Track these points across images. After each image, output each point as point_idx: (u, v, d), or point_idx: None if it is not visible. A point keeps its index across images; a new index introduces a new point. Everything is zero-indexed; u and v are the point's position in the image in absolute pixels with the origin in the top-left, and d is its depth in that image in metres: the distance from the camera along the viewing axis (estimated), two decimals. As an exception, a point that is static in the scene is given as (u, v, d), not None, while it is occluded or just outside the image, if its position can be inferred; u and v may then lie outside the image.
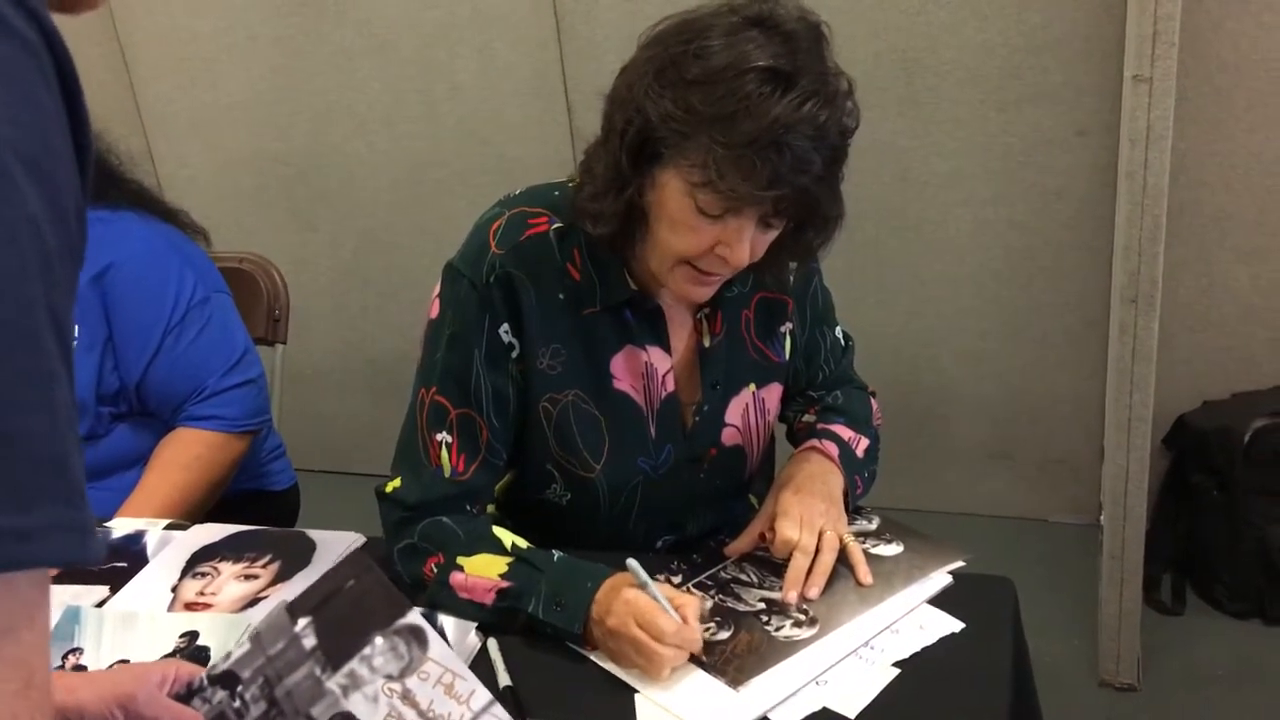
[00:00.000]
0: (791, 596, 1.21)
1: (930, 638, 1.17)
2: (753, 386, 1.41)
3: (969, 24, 2.23)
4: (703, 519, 1.45)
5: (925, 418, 2.61)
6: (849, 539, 1.28)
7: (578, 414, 1.32)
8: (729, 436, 1.40)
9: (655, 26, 1.19)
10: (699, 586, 1.26)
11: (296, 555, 1.38)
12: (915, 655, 1.14)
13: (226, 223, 2.79)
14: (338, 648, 0.95)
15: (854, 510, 1.38)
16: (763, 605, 1.22)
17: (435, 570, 1.25)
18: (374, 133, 2.69)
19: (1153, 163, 1.78)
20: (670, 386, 1.35)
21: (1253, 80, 2.14)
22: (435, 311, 1.31)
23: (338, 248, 2.81)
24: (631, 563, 1.16)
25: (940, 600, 1.22)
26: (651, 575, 1.15)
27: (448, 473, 1.29)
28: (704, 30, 1.14)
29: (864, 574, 1.24)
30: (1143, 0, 1.70)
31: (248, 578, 1.35)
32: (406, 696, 0.94)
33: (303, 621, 0.97)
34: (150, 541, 1.44)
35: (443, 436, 1.30)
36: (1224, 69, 2.14)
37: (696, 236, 1.17)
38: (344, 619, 0.96)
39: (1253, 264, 2.28)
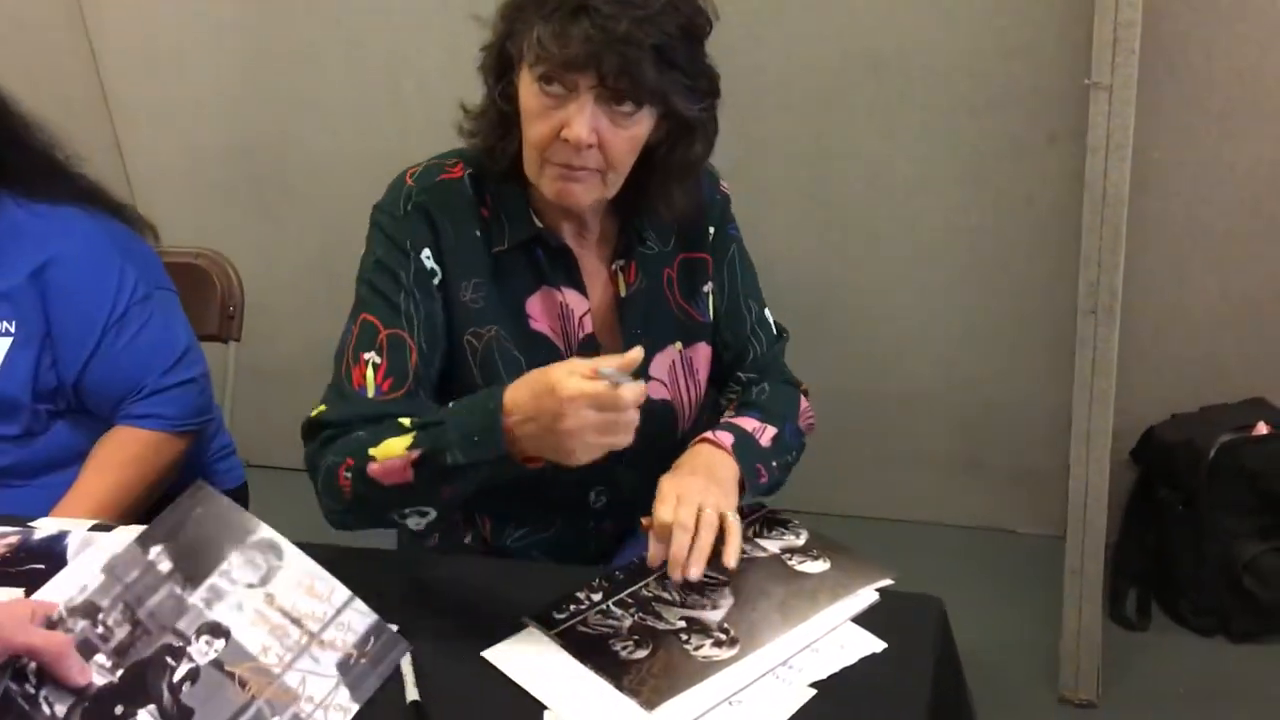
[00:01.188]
0: (676, 575, 1.19)
1: (850, 657, 1.13)
2: (679, 345, 1.45)
3: (938, 27, 2.20)
4: (634, 474, 1.42)
5: (894, 425, 2.58)
6: (731, 517, 1.24)
7: (500, 352, 1.36)
8: (655, 390, 1.42)
9: None
10: (619, 605, 1.23)
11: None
12: (833, 675, 1.11)
13: (192, 216, 2.77)
14: (194, 567, 1.00)
15: (781, 523, 1.35)
16: (683, 624, 1.19)
17: (349, 476, 1.21)
18: (341, 127, 2.67)
19: (1113, 171, 1.75)
20: (588, 328, 1.39)
21: (1225, 89, 2.11)
22: (367, 252, 1.37)
23: (303, 243, 2.79)
24: (608, 370, 1.10)
25: (865, 618, 1.19)
26: (566, 599, 1.16)
27: (371, 392, 1.29)
28: None
29: (730, 555, 1.21)
30: (1104, 7, 1.67)
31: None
32: (270, 600, 0.98)
33: (155, 549, 1.01)
34: (72, 543, 1.41)
35: (370, 356, 1.31)
36: (1195, 78, 2.11)
37: (544, 122, 1.24)
38: (195, 541, 1.01)
39: (1224, 275, 2.26)
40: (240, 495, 1.99)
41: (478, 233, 1.35)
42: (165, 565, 0.99)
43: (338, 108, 2.65)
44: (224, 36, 2.68)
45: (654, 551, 1.24)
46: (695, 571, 1.19)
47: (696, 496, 1.24)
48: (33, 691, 0.92)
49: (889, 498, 2.60)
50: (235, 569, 0.99)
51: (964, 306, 2.42)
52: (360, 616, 0.98)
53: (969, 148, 2.27)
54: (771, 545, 1.31)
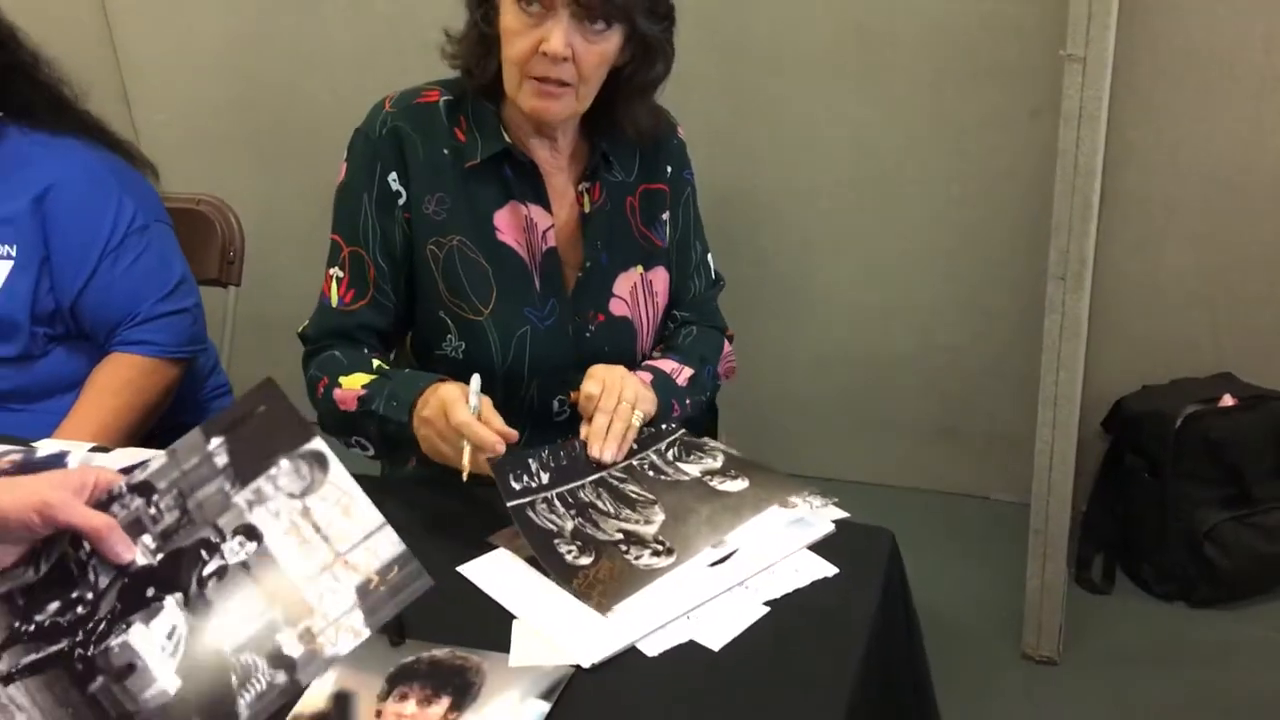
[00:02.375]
0: (594, 451, 1.33)
1: (804, 580, 1.20)
2: (640, 268, 1.56)
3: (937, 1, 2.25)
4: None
5: (872, 390, 2.64)
6: (638, 420, 1.37)
7: (464, 260, 1.47)
8: (617, 307, 1.54)
9: None
10: (561, 502, 1.30)
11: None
12: (786, 595, 1.18)
13: (196, 167, 2.82)
14: (246, 466, 1.02)
15: (698, 447, 1.43)
16: (620, 536, 1.25)
17: (322, 392, 1.44)
18: (343, 80, 2.72)
19: (1084, 142, 1.81)
20: (550, 242, 1.50)
21: (1202, 69, 2.16)
22: (342, 172, 1.50)
23: (305, 197, 2.83)
24: (475, 377, 1.30)
25: (820, 547, 1.26)
26: (521, 464, 1.29)
27: (334, 303, 1.49)
28: None
29: (606, 449, 1.34)
30: (1081, -20, 1.73)
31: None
32: (306, 513, 1.00)
33: (215, 441, 1.03)
34: (72, 463, 1.48)
35: (334, 271, 1.50)
36: (1174, 56, 2.16)
37: (523, 38, 1.35)
38: (253, 441, 1.02)
39: (1197, 251, 2.31)
40: (236, 432, 2.07)
41: (445, 151, 1.46)
42: (221, 459, 1.02)
43: (340, 60, 2.71)
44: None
45: (584, 429, 1.37)
46: (609, 454, 1.34)
47: (618, 385, 1.38)
48: (84, 559, 0.98)
49: (864, 462, 2.67)
50: (282, 476, 1.01)
51: (943, 275, 2.48)
52: (388, 545, 0.99)
53: (952, 119, 2.33)
54: (691, 469, 1.38)
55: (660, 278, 1.58)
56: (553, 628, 1.14)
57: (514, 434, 1.28)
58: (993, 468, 2.63)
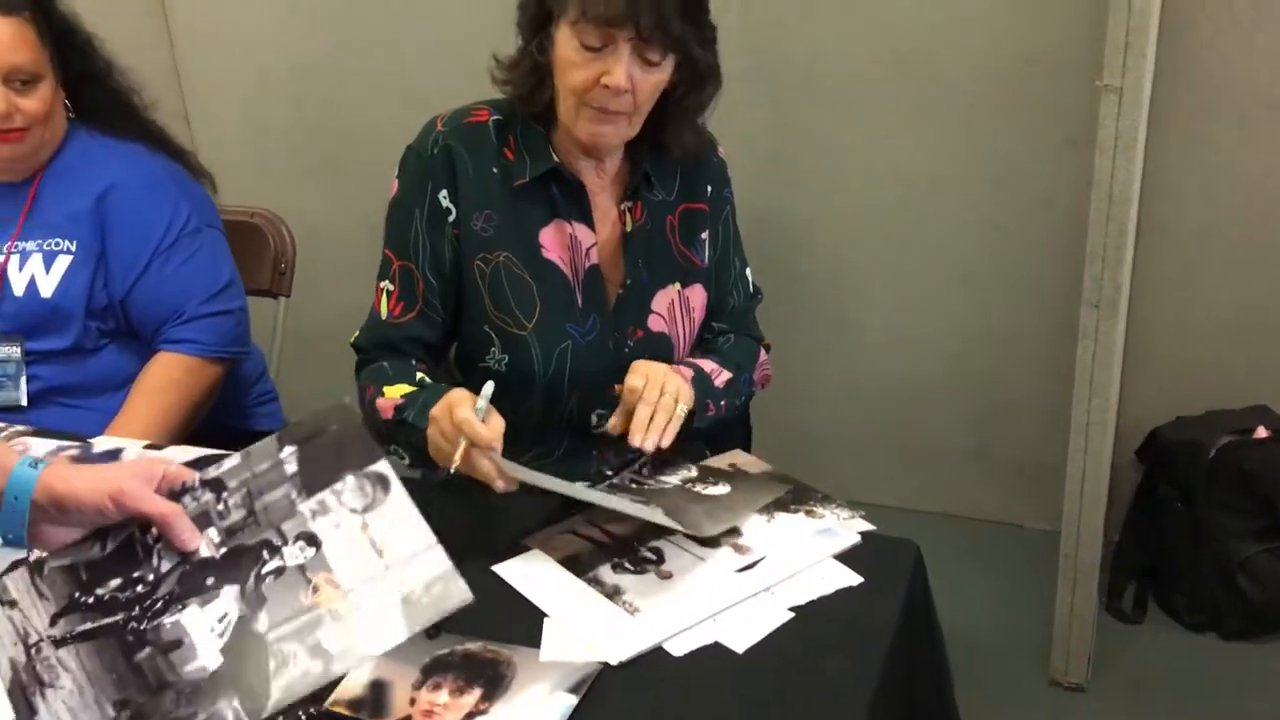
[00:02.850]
0: (636, 440, 1.35)
1: (829, 588, 1.23)
2: (678, 285, 1.60)
3: (963, 29, 2.29)
4: None
5: (906, 415, 2.66)
6: (681, 411, 1.40)
7: (509, 276, 1.52)
8: (655, 323, 1.58)
9: None
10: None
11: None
12: (811, 602, 1.21)
13: (252, 182, 2.90)
14: (314, 478, 1.07)
15: (668, 463, 1.50)
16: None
17: (369, 397, 1.49)
18: (397, 104, 2.78)
19: (1119, 171, 1.83)
20: (593, 259, 1.54)
21: (1240, 99, 2.18)
22: (394, 189, 1.55)
23: (359, 213, 2.91)
24: (489, 384, 1.31)
25: (845, 556, 1.29)
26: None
27: (384, 315, 1.54)
28: None
29: (649, 439, 1.36)
30: (1118, 11, 1.75)
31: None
32: (365, 528, 1.06)
33: (288, 449, 1.09)
34: (126, 458, 1.54)
35: (385, 284, 1.55)
36: (1212, 86, 2.18)
37: (583, 71, 1.39)
38: (323, 455, 1.08)
39: (1234, 281, 2.32)
40: (278, 439, 2.13)
41: (494, 170, 1.51)
42: (291, 467, 1.08)
43: (393, 81, 2.78)
44: (294, 12, 2.82)
45: (614, 421, 1.41)
46: (650, 443, 1.36)
47: (661, 378, 1.41)
48: (151, 543, 1.04)
49: (895, 486, 2.68)
50: (347, 491, 1.07)
51: (979, 303, 2.50)
52: (436, 562, 1.05)
53: (989, 148, 2.35)
54: (671, 479, 1.46)
55: (697, 295, 1.62)
56: (582, 625, 1.18)
57: (498, 442, 1.29)
58: (1025, 495, 2.64)
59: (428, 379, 1.48)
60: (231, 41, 2.90)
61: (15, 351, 1.79)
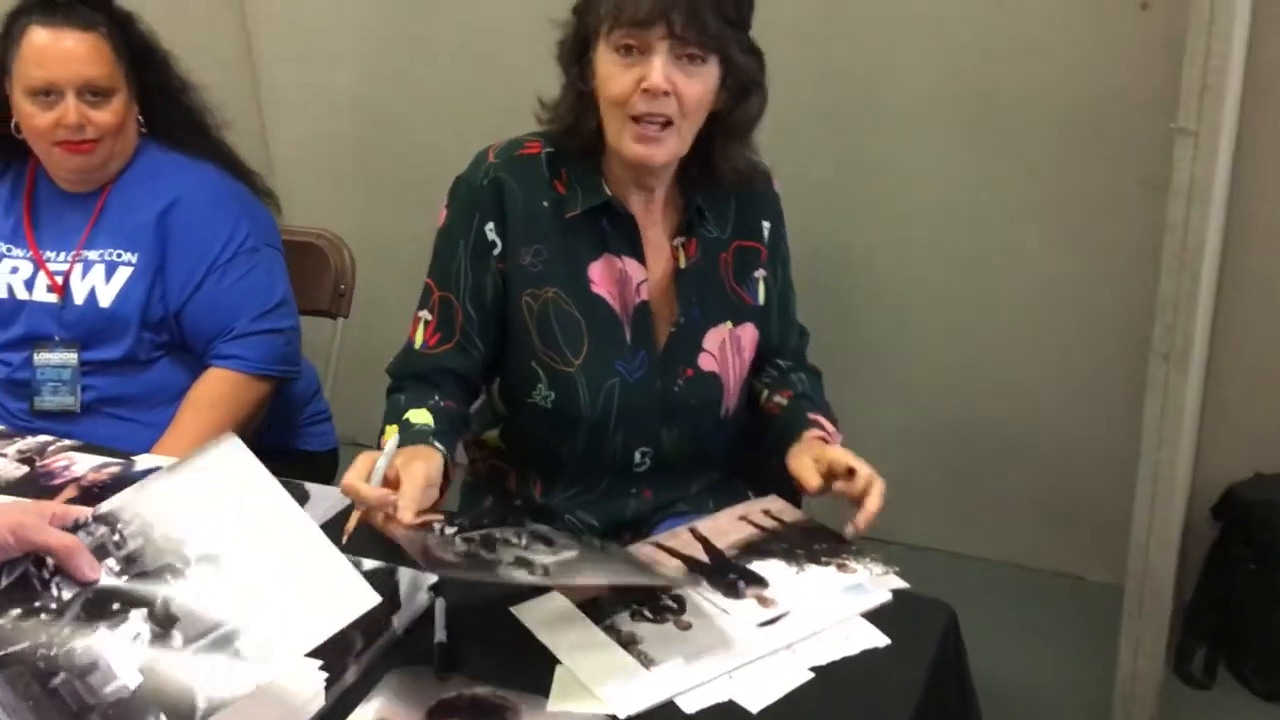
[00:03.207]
0: (849, 531, 1.37)
1: (853, 648, 1.19)
2: (729, 324, 1.56)
3: (1037, 67, 2.22)
4: (677, 437, 1.56)
5: (965, 458, 2.59)
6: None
7: (558, 312, 1.49)
8: (706, 362, 1.55)
9: None
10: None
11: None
12: (833, 663, 1.17)
13: (322, 203, 2.95)
14: (210, 502, 1.11)
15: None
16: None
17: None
18: (464, 130, 2.80)
19: (1194, 218, 1.75)
20: (643, 295, 1.51)
21: (1333, 147, 2.08)
22: (442, 217, 1.53)
23: (421, 238, 2.93)
24: (392, 440, 1.28)
25: (874, 615, 1.24)
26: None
27: (418, 344, 1.52)
28: None
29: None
30: (1195, 53, 1.69)
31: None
32: (266, 543, 1.10)
33: (181, 478, 1.13)
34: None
35: (423, 314, 1.53)
36: (1300, 133, 2.08)
37: (622, 78, 1.37)
38: (217, 480, 1.13)
39: (1319, 336, 2.21)
40: (330, 459, 2.14)
41: (545, 203, 1.48)
42: (185, 495, 1.11)
43: (463, 110, 2.80)
44: (365, 35, 2.86)
45: (858, 520, 1.38)
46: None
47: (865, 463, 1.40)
48: (48, 576, 1.04)
49: (954, 532, 2.61)
50: (246, 510, 1.11)
51: (1042, 345, 2.42)
52: (340, 568, 1.08)
53: (1056, 186, 2.28)
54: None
55: (748, 335, 1.59)
56: (594, 675, 1.15)
57: (403, 505, 1.21)
58: (1090, 547, 2.54)
59: (425, 416, 1.42)
60: (309, 63, 2.95)
61: (73, 358, 1.84)
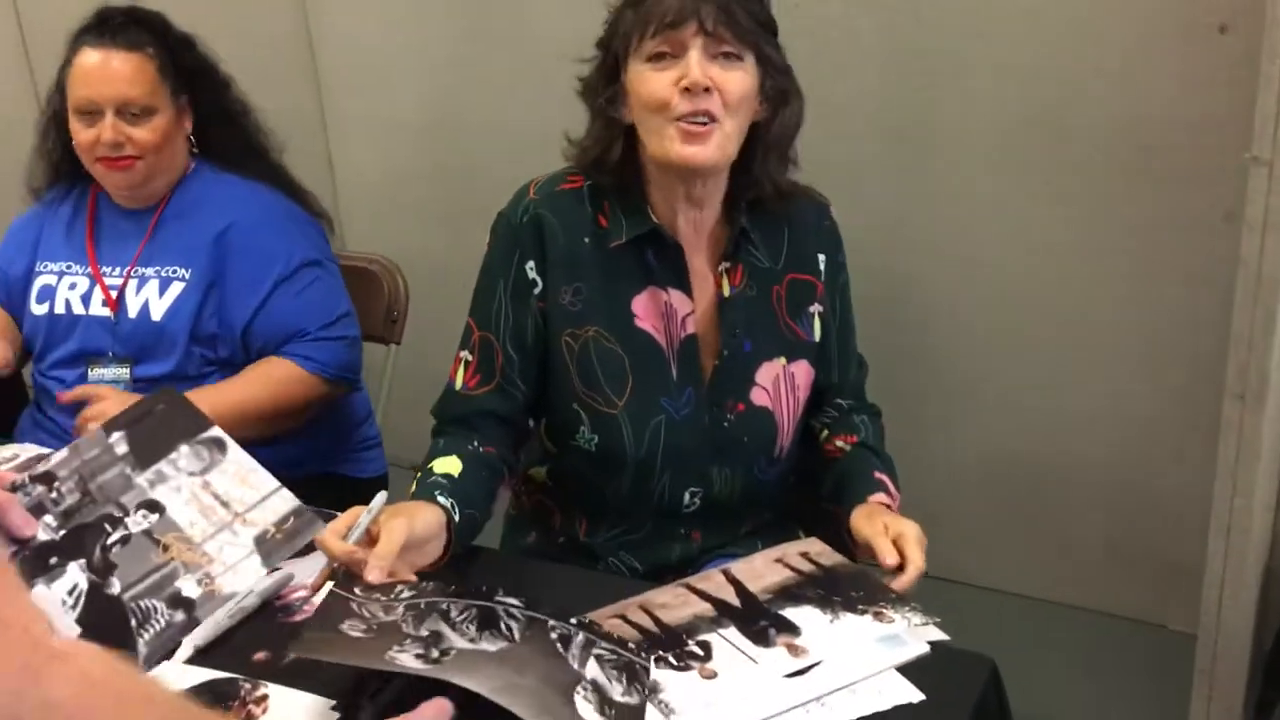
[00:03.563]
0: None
1: (885, 703, 1.13)
2: (783, 360, 1.51)
3: (1112, 93, 2.13)
4: (728, 476, 1.50)
5: (1036, 499, 2.49)
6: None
7: (599, 350, 1.44)
8: (759, 396, 1.49)
9: None
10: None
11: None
12: (863, 718, 1.11)
13: (384, 228, 2.97)
14: (147, 452, 1.13)
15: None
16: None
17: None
18: (524, 157, 2.80)
19: (1269, 251, 1.67)
20: (690, 328, 1.47)
21: None
22: (485, 254, 1.53)
23: (478, 264, 2.94)
24: (379, 496, 1.23)
25: (910, 669, 1.18)
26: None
27: (458, 385, 1.49)
28: None
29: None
30: (1269, 79, 1.61)
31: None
32: (205, 486, 1.12)
33: (116, 435, 1.15)
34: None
35: (464, 354, 1.51)
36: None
37: (660, 82, 1.34)
38: (153, 432, 1.15)
39: None
40: (380, 485, 2.14)
41: (586, 239, 1.45)
42: (122, 449, 1.13)
43: (522, 139, 2.79)
44: (428, 61, 2.87)
45: (902, 578, 1.34)
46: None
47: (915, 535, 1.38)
48: None
49: (1024, 574, 2.51)
50: (182, 459, 1.13)
51: (1113, 382, 2.31)
52: (285, 502, 1.11)
53: (1133, 218, 2.18)
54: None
55: (803, 372, 1.53)
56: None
57: (372, 564, 1.13)
58: (1168, 594, 2.42)
59: (453, 465, 1.37)
60: (373, 87, 2.97)
61: (125, 373, 1.89)
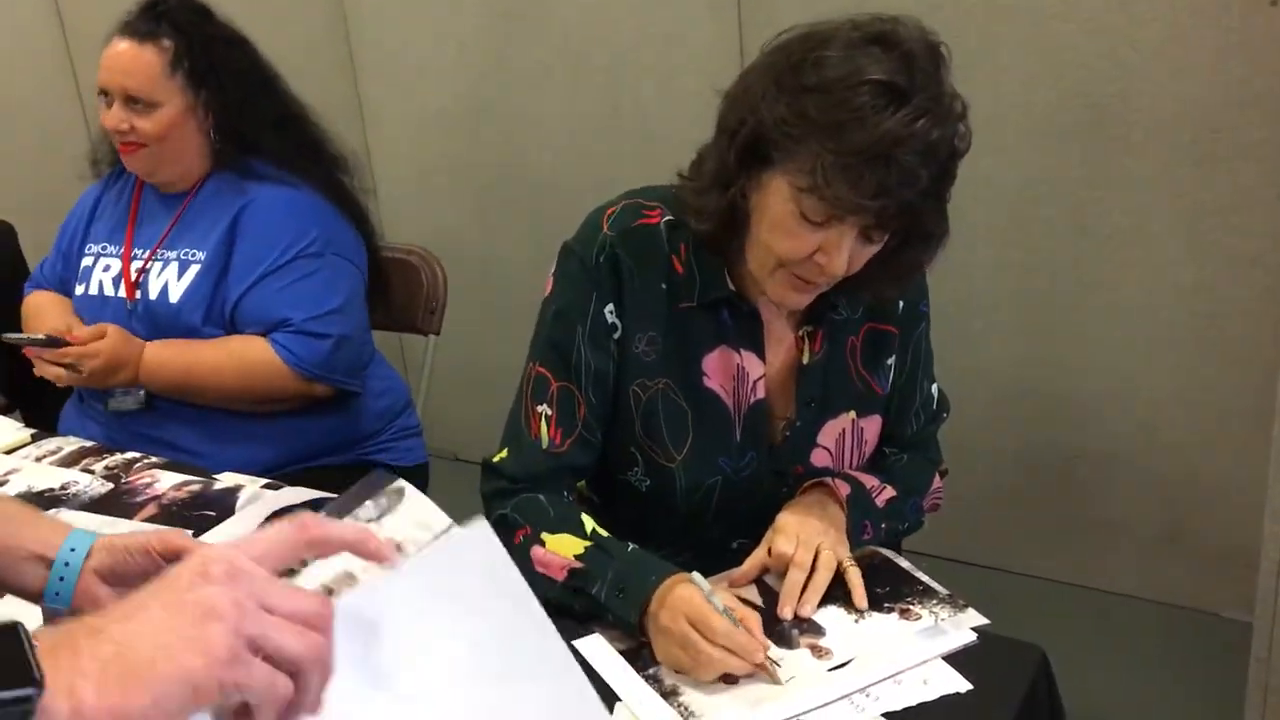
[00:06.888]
0: (786, 612, 1.22)
1: (932, 694, 1.11)
2: (853, 414, 1.42)
3: (1164, 74, 2.08)
4: None
5: (1090, 487, 2.44)
6: (848, 562, 1.26)
7: (666, 403, 1.36)
8: (819, 458, 1.41)
9: (780, 35, 1.24)
10: None
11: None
12: (909, 709, 1.09)
13: (424, 220, 2.98)
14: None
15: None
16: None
17: (521, 540, 1.29)
18: (561, 148, 2.79)
19: (1327, 229, 1.61)
20: (760, 394, 1.37)
21: None
22: (549, 288, 1.38)
23: (518, 253, 2.93)
24: (696, 576, 1.18)
25: (956, 658, 1.16)
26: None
27: (545, 444, 1.35)
28: (825, 41, 1.18)
29: (859, 598, 1.23)
30: (1326, 50, 1.55)
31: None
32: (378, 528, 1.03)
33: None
34: (243, 496, 1.56)
35: (543, 409, 1.36)
36: None
37: (797, 241, 1.20)
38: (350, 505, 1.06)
39: None
40: (419, 474, 2.13)
41: (663, 285, 1.34)
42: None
43: (559, 129, 2.78)
44: (465, 53, 2.87)
45: (743, 570, 1.30)
46: (808, 609, 1.22)
47: (816, 539, 1.27)
48: None
49: (1077, 563, 2.46)
50: (362, 511, 1.05)
51: (1171, 368, 2.26)
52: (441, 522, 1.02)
53: (1189, 201, 2.13)
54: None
55: (873, 426, 1.44)
56: (653, 716, 1.09)
57: (768, 642, 1.15)
58: (1225, 582, 2.37)
59: (598, 529, 1.30)
60: (409, 80, 2.98)
61: None
